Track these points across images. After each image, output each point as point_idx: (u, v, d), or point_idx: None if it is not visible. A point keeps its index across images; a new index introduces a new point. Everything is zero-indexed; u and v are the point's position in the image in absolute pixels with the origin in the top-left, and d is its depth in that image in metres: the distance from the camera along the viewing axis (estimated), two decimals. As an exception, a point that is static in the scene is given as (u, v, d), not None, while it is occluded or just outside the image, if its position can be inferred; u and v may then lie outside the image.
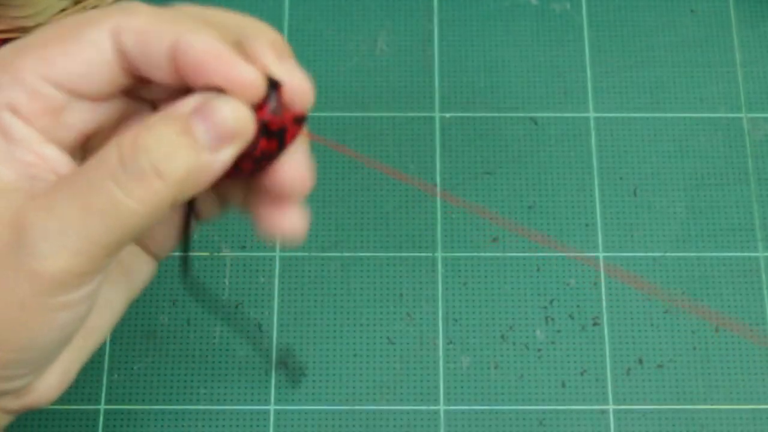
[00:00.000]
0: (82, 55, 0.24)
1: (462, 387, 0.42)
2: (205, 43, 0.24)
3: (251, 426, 0.41)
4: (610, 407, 0.42)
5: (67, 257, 0.23)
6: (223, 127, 0.24)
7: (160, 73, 0.25)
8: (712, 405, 0.42)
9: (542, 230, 0.44)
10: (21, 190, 0.24)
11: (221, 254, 0.44)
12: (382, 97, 0.47)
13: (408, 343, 0.43)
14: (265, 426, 0.41)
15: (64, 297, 0.24)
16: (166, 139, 0.24)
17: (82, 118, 0.26)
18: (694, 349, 0.43)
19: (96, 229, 0.23)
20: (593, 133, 0.46)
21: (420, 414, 0.42)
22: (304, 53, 0.48)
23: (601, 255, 0.44)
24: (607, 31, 0.48)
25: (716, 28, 0.48)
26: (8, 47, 0.25)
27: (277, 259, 0.44)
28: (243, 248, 0.44)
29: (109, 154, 0.24)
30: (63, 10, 0.46)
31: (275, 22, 0.48)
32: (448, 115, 0.47)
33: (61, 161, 0.25)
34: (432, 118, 0.46)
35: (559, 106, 0.47)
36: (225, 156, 0.24)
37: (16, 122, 0.24)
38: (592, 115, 0.46)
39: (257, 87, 0.24)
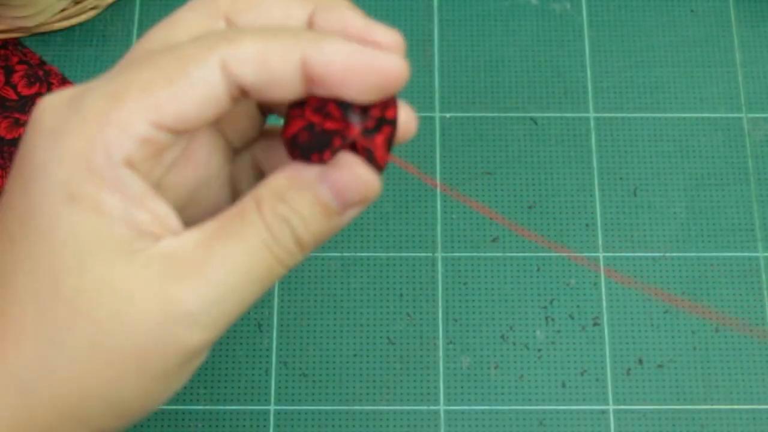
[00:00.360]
0: (194, 95, 0.23)
1: (462, 387, 0.42)
2: (340, 52, 0.24)
3: (251, 426, 0.41)
4: (610, 407, 0.42)
5: (221, 325, 0.24)
6: (351, 196, 0.24)
7: (285, 92, 0.24)
8: (712, 405, 0.42)
9: (542, 230, 0.44)
10: (146, 255, 0.23)
11: (221, 254, 0.44)
12: (382, 97, 0.47)
13: (408, 343, 0.43)
14: (265, 426, 0.41)
15: (198, 361, 0.24)
16: (301, 211, 0.24)
17: (175, 152, 0.25)
18: (694, 349, 0.43)
19: (251, 294, 0.24)
20: (593, 133, 0.46)
21: (420, 414, 0.42)
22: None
23: (601, 255, 0.44)
24: (607, 31, 0.48)
25: (716, 28, 0.48)
26: (96, 94, 0.24)
27: (277, 259, 0.44)
28: (243, 248, 0.44)
29: (253, 219, 0.24)
30: (63, 10, 0.46)
31: (275, 22, 0.48)
32: (448, 115, 0.47)
33: (169, 215, 0.24)
34: (432, 118, 0.46)
35: (559, 106, 0.47)
36: (354, 213, 0.25)
37: (132, 177, 0.23)
38: (592, 115, 0.46)
39: (404, 75, 0.24)
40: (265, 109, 0.29)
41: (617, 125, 0.46)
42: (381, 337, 0.43)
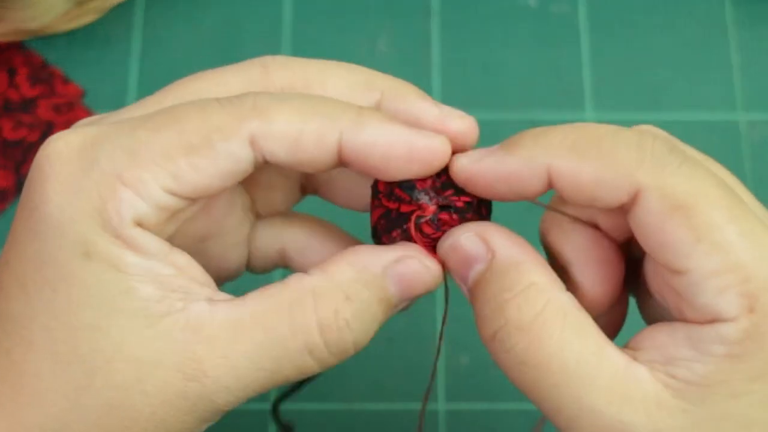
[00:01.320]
0: (218, 168, 0.22)
1: (462, 386, 0.42)
2: (381, 136, 0.22)
3: (251, 425, 0.41)
4: (610, 405, 0.42)
5: (241, 401, 0.23)
6: (416, 291, 0.23)
7: (316, 169, 0.23)
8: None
9: (541, 230, 0.45)
10: (171, 322, 0.22)
11: (222, 254, 0.44)
12: (382, 98, 0.47)
13: (408, 342, 0.43)
14: (265, 425, 0.41)
15: (220, 415, 0.24)
16: (365, 313, 0.23)
17: (190, 212, 0.24)
18: (693, 347, 0.43)
19: (277, 384, 0.23)
20: (591, 134, 0.46)
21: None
22: (304, 54, 0.48)
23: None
24: (605, 33, 0.48)
25: (713, 30, 0.48)
26: (112, 146, 0.22)
27: (278, 258, 0.44)
28: (244, 248, 0.44)
29: (307, 320, 0.22)
30: (66, 12, 0.47)
31: (275, 22, 0.48)
32: (447, 116, 0.47)
33: (192, 266, 0.23)
34: (431, 120, 0.47)
35: (558, 107, 0.47)
36: (406, 305, 0.25)
37: (146, 236, 0.22)
38: (590, 115, 0.47)
39: (446, 156, 0.23)
40: (304, 181, 0.27)
41: (615, 126, 0.47)
42: (381, 336, 0.43)
